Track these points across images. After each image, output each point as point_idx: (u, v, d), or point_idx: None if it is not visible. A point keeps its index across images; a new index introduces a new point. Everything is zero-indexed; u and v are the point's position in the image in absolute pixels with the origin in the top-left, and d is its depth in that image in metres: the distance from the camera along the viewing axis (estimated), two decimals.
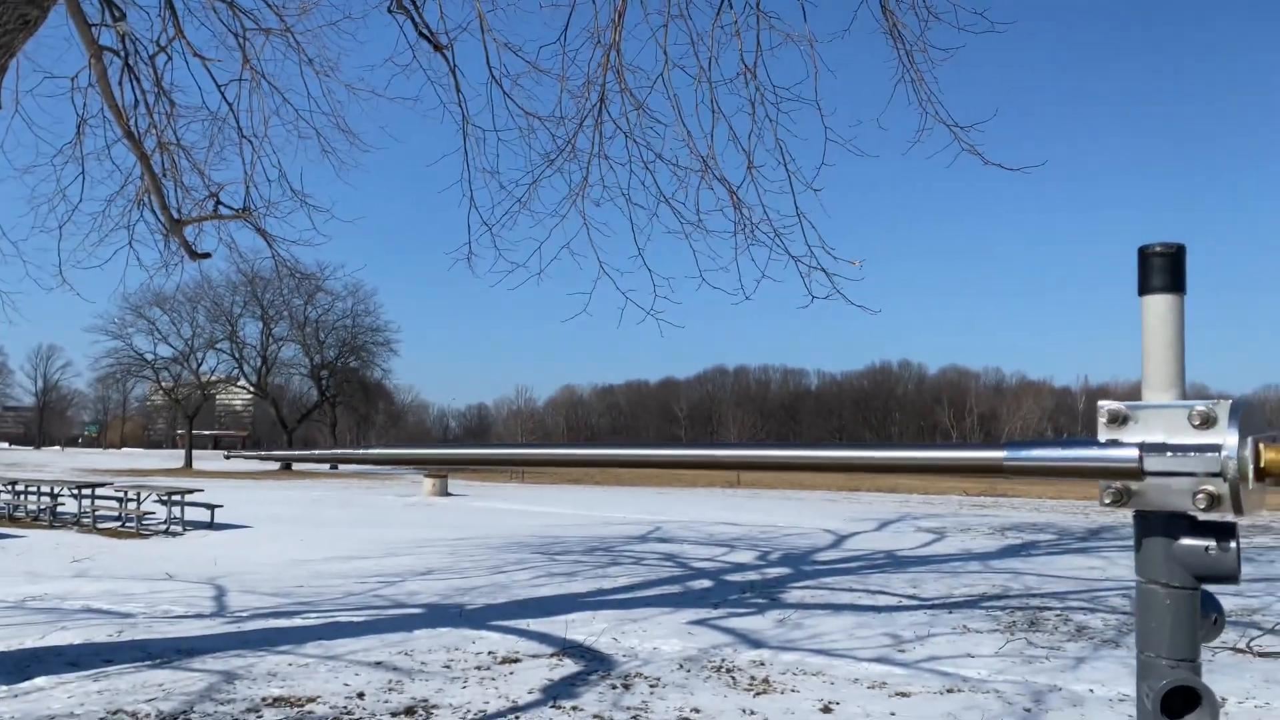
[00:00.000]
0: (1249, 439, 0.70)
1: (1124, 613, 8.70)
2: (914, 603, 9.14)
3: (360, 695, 5.57)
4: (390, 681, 5.89)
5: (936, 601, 9.20)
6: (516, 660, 6.53)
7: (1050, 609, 8.83)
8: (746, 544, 14.60)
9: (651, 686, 5.86)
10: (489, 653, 6.73)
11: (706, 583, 10.34)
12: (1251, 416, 0.72)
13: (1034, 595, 9.67)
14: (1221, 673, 6.42)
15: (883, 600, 9.30)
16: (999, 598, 9.50)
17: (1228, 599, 9.55)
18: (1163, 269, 0.77)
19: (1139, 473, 0.72)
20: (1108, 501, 0.75)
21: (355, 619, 7.97)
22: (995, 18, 6.57)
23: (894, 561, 12.66)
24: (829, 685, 5.96)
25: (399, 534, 15.65)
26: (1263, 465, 0.70)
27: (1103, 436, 0.76)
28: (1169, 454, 0.72)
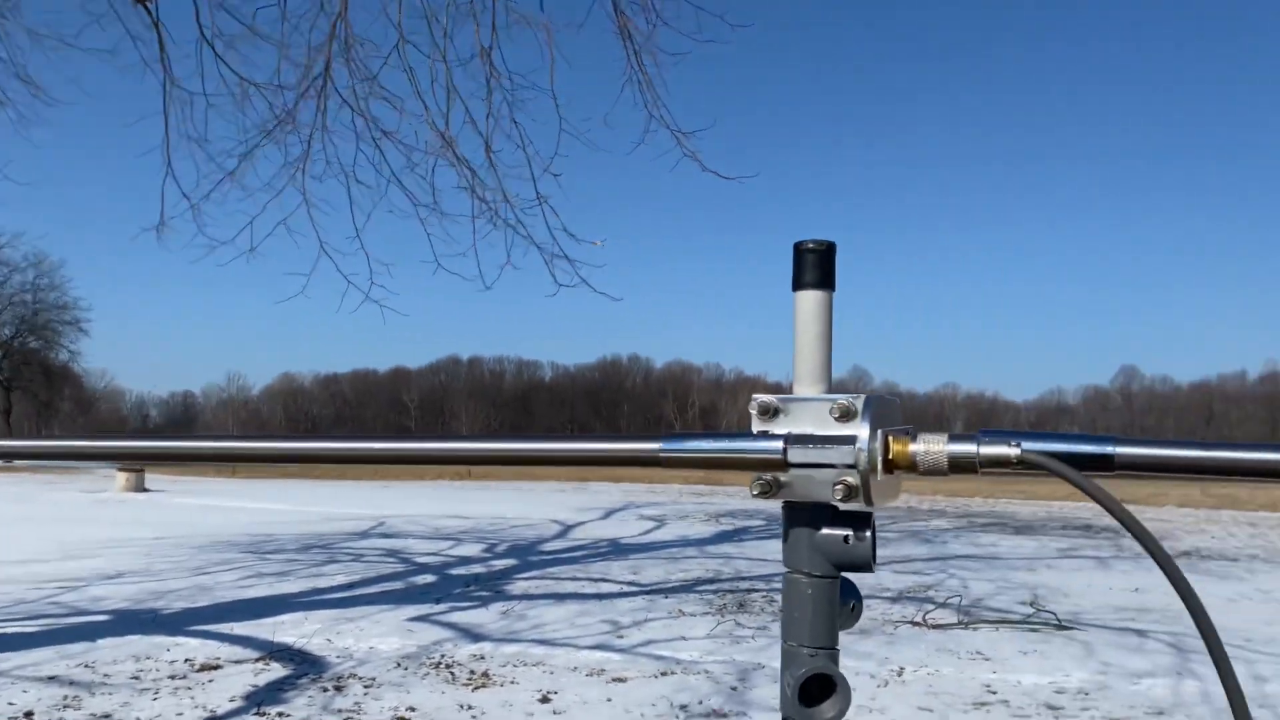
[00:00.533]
0: (879, 431, 0.73)
1: None
2: (633, 589, 9.41)
3: (28, 715, 4.98)
4: (66, 697, 5.30)
5: (654, 587, 9.52)
6: (217, 667, 6.08)
7: (758, 590, 9.38)
8: (474, 537, 14.47)
9: (366, 687, 5.65)
10: (185, 660, 6.23)
11: (430, 578, 10.14)
12: (885, 410, 0.76)
13: (744, 578, 10.24)
14: (901, 644, 7.07)
15: (604, 588, 9.50)
16: (712, 581, 9.98)
17: (907, 576, 10.58)
18: (814, 265, 0.79)
19: (783, 464, 0.74)
20: (756, 493, 0.76)
21: (26, 629, 7.12)
22: (728, 25, 6.86)
23: (616, 549, 12.99)
24: (549, 675, 6.00)
25: (85, 534, 14.20)
26: (891, 457, 0.73)
27: (755, 429, 0.78)
28: (811, 446, 0.74)
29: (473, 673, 6.04)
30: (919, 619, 8.04)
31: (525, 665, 6.25)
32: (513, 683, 5.81)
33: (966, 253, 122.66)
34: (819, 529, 0.76)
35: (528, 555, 12.26)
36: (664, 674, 6.05)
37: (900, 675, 6.15)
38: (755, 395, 0.78)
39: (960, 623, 7.93)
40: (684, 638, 7.15)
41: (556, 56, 6.79)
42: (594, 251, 7.58)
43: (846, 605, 0.79)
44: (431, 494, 26.24)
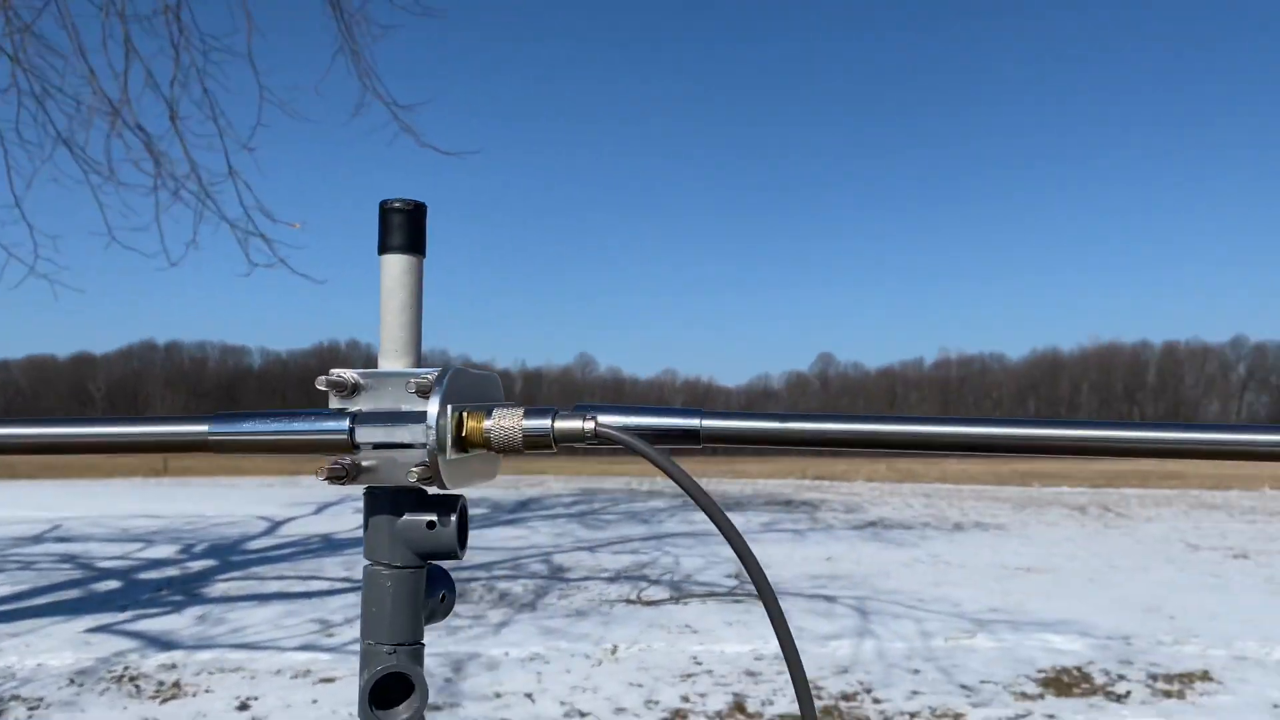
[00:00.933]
0: (449, 407, 0.69)
1: (542, 577, 9.47)
2: (346, 585, 9.04)
3: None
4: None
5: None
6: None
7: (478, 580, 9.30)
8: (167, 538, 13.34)
9: (31, 709, 5.04)
10: None
11: (114, 584, 9.23)
12: (466, 385, 0.72)
13: (463, 567, 10.12)
14: (616, 622, 7.26)
15: (315, 585, 9.06)
16: None
17: (625, 556, 10.90)
18: (401, 226, 0.73)
19: (350, 446, 0.68)
20: (324, 478, 0.69)
21: None
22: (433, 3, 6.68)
23: (330, 545, 12.43)
24: (249, 680, 5.63)
25: None
26: (465, 434, 0.69)
27: (333, 406, 0.72)
28: (381, 425, 0.68)
29: (161, 684, 5.55)
30: (634, 597, 8.30)
31: (222, 672, 5.82)
32: (207, 691, 5.40)
33: (691, 251, 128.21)
34: (401, 515, 0.70)
35: (229, 555, 11.46)
36: None
37: (614, 653, 6.30)
38: (334, 370, 0.71)
39: (672, 598, 8.27)
40: None
41: (256, 22, 6.34)
42: (293, 232, 7.17)
43: (436, 597, 0.73)
44: (119, 492, 23.93)
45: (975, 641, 6.60)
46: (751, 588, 8.65)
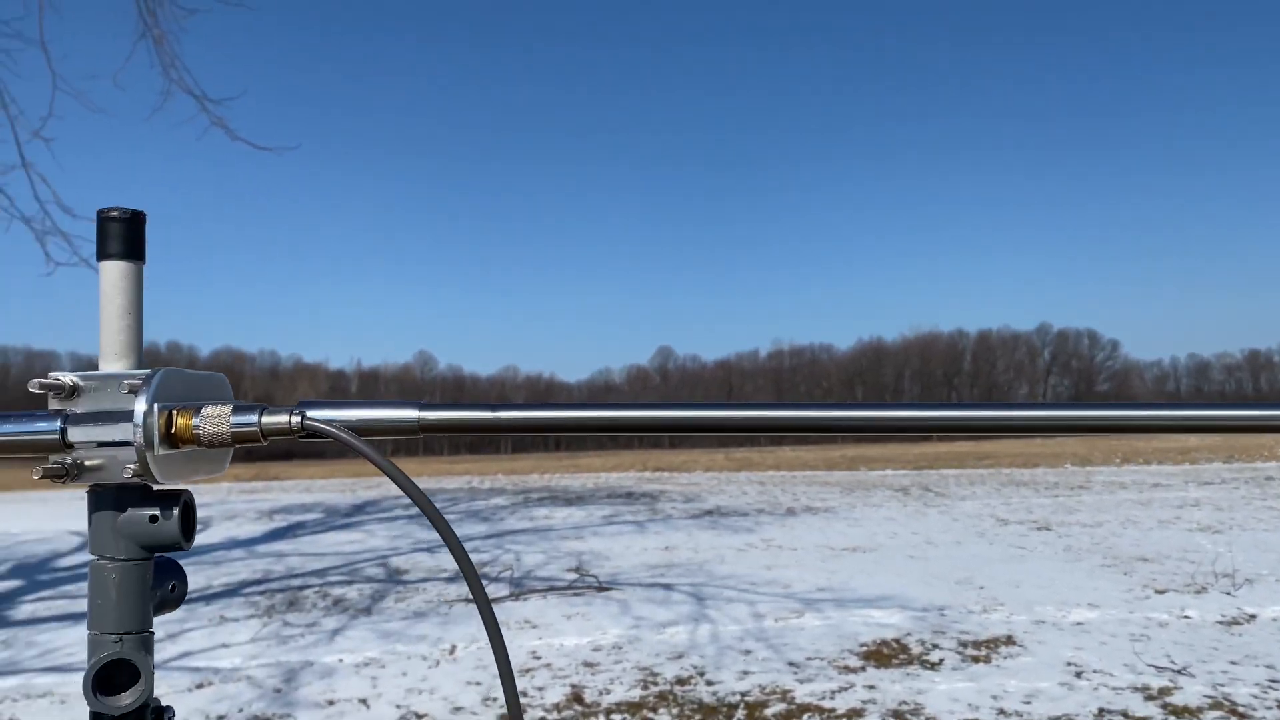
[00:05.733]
0: (156, 405, 0.72)
1: (379, 580, 9.28)
2: None
3: None
4: None
5: (193, 595, 8.79)
6: None
7: (311, 586, 9.03)
8: None
9: None
10: None
11: None
12: (179, 383, 0.75)
13: (296, 575, 9.81)
14: (454, 623, 7.21)
15: None
16: (260, 582, 9.43)
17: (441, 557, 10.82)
18: (120, 235, 0.77)
19: (63, 446, 0.71)
20: (38, 477, 0.72)
21: None
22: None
23: None
24: (60, 705, 5.30)
25: None
26: (175, 431, 0.73)
27: (53, 407, 0.74)
28: (98, 424, 0.72)
29: None
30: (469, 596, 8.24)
31: (30, 698, 5.46)
32: (12, 719, 5.06)
33: (531, 247, 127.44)
34: (124, 510, 0.74)
35: (37, 574, 10.72)
36: (200, 686, 5.62)
37: (452, 653, 6.27)
38: (54, 373, 0.73)
39: (512, 594, 8.27)
40: (225, 645, 6.68)
41: (46, 5, 5.94)
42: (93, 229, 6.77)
43: (165, 587, 0.77)
44: None
45: (804, 620, 6.90)
46: (589, 581, 8.75)
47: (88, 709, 0.73)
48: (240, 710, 5.10)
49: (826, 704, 4.95)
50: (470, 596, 8.22)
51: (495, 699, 5.20)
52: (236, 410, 0.73)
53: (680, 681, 5.42)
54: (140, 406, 0.71)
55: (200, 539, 13.84)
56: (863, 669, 5.58)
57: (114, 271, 0.76)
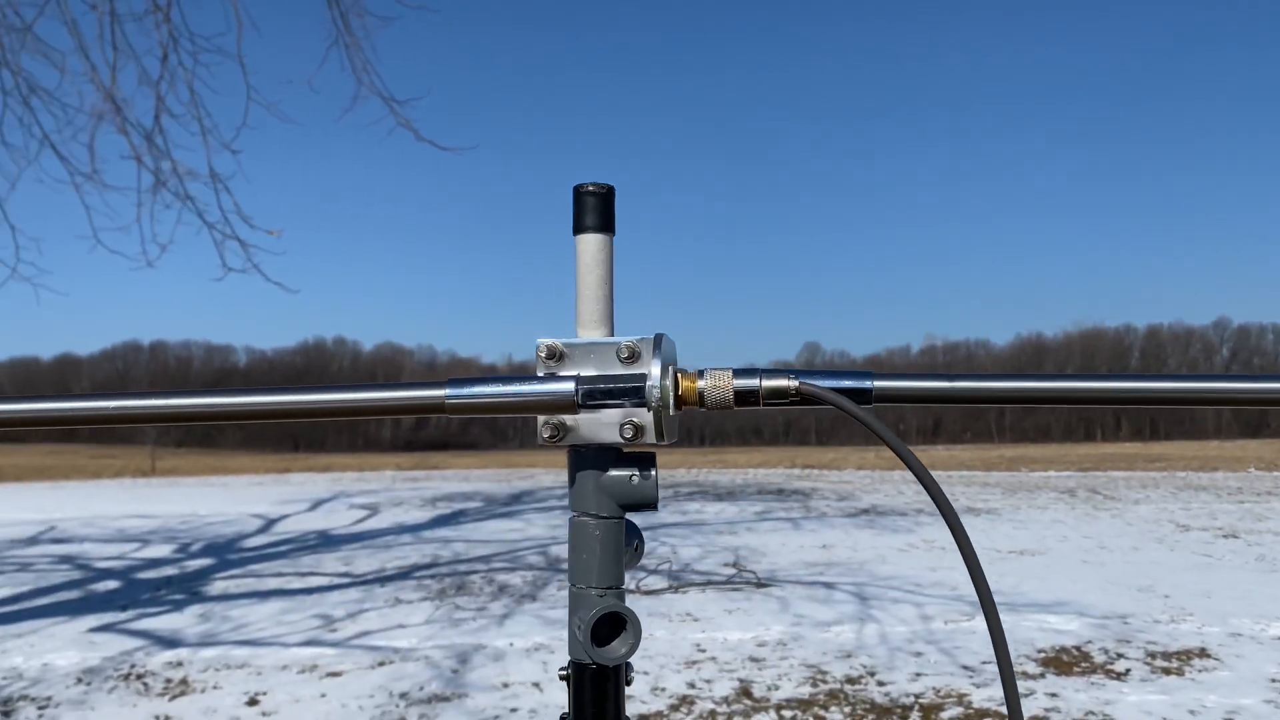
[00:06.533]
0: (670, 368, 0.74)
1: (540, 569, 9.51)
2: (346, 580, 9.06)
3: None
4: None
5: (369, 577, 9.22)
6: None
7: (477, 572, 9.33)
8: (163, 537, 13.32)
9: (40, 709, 5.05)
10: None
11: (113, 584, 9.22)
12: (671, 349, 0.77)
13: (462, 561, 10.16)
14: None
15: (314, 581, 9.08)
16: (429, 566, 9.81)
17: None
18: (594, 208, 0.79)
19: (574, 405, 0.73)
20: (546, 436, 0.76)
21: None
22: None
23: (327, 541, 12.45)
24: (256, 676, 5.65)
25: None
26: (680, 394, 0.75)
27: (541, 373, 0.77)
28: (602, 385, 0.74)
29: (169, 681, 5.57)
30: (633, 587, 8.35)
31: (229, 668, 5.84)
32: (215, 688, 5.42)
33: (678, 240, 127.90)
34: (605, 470, 0.76)
35: (226, 553, 11.46)
36: (381, 664, 5.88)
37: None
38: (539, 339, 0.77)
39: (671, 587, 8.32)
40: (401, 625, 6.98)
41: (250, 18, 6.32)
42: (272, 239, 7.16)
43: (631, 546, 0.79)
44: (111, 493, 23.87)
45: (975, 624, 6.67)
46: (746, 576, 8.72)
47: (569, 660, 0.78)
48: (420, 689, 5.30)
49: (1005, 709, 4.76)
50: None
51: (664, 689, 5.24)
52: (736, 374, 0.74)
53: (850, 681, 5.33)
54: (655, 369, 0.73)
55: (370, 524, 14.52)
56: (1042, 675, 5.36)
57: (591, 244, 0.79)
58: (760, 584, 8.40)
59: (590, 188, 0.79)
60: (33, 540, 13.20)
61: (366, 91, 6.66)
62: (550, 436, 0.75)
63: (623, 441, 0.74)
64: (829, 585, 8.33)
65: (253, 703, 5.12)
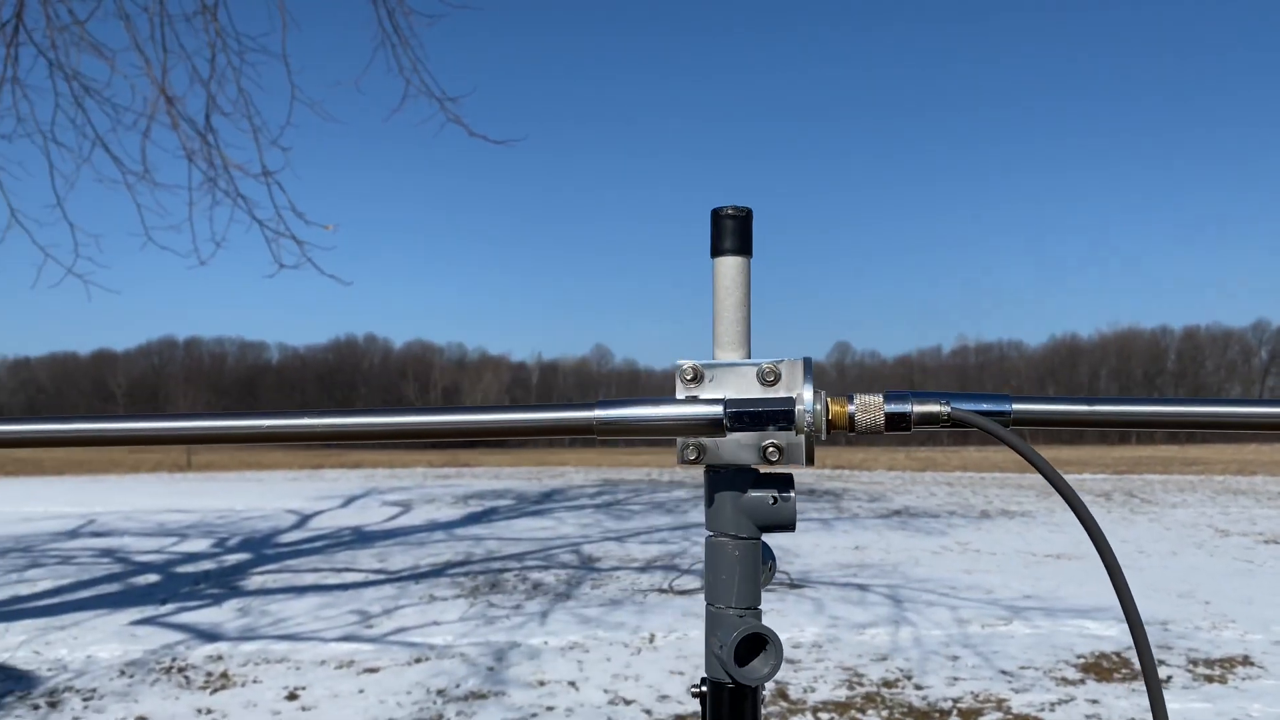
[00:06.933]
0: (821, 393, 0.75)
1: (574, 567, 9.53)
2: (381, 577, 9.14)
3: None
4: None
5: (404, 574, 9.30)
6: None
7: (510, 570, 9.38)
8: (201, 531, 13.50)
9: (85, 700, 5.13)
10: None
11: (153, 577, 9.36)
12: (817, 374, 0.78)
13: (495, 558, 10.21)
14: (651, 611, 7.32)
15: (349, 577, 9.16)
16: (463, 564, 9.87)
17: (654, 546, 10.96)
18: (734, 231, 0.79)
19: (722, 428, 0.73)
20: (691, 458, 0.76)
21: None
22: None
23: (361, 537, 12.55)
24: (295, 671, 5.71)
25: None
26: (831, 418, 0.75)
27: (681, 394, 0.77)
28: (750, 410, 0.74)
29: (210, 674, 5.65)
30: (666, 586, 8.35)
31: (268, 663, 5.91)
32: (255, 682, 5.49)
33: (703, 240, 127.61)
34: (744, 492, 0.77)
35: (262, 548, 11.59)
36: (418, 660, 5.93)
37: (652, 641, 6.36)
38: (679, 361, 0.77)
39: (702, 588, 8.31)
40: (437, 623, 7.03)
41: (294, 19, 6.39)
42: (323, 233, 7.23)
43: (766, 564, 0.80)
44: (148, 487, 24.21)
45: (1011, 628, 6.62)
46: (780, 577, 8.69)
47: (705, 678, 0.78)
48: (457, 685, 5.34)
49: (1046, 715, 4.73)
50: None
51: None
52: (888, 399, 0.74)
53: (887, 684, 5.30)
54: (808, 393, 0.73)
55: (403, 520, 14.63)
56: (1082, 682, 5.31)
57: (730, 266, 0.79)
58: (793, 585, 8.38)
59: (729, 211, 0.79)
60: (73, 533, 13.42)
61: (415, 90, 6.70)
62: (694, 458, 0.76)
63: (764, 463, 0.75)
64: (863, 587, 8.29)
65: (292, 697, 5.18)
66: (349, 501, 18.59)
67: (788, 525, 0.77)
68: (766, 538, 0.79)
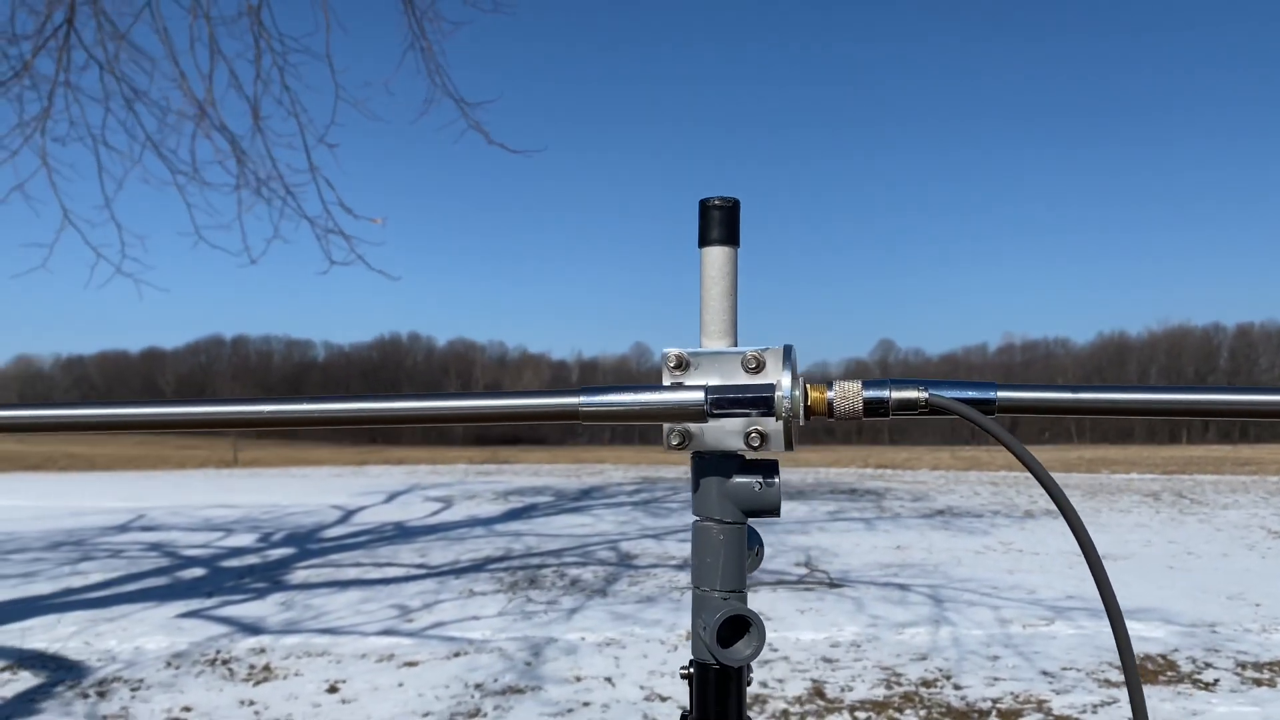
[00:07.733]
0: (800, 379, 0.75)
1: (611, 564, 9.55)
2: (422, 572, 9.22)
3: None
4: None
5: (444, 569, 9.38)
6: None
7: (549, 566, 9.42)
8: (246, 526, 13.72)
9: (133, 690, 5.24)
10: None
11: (199, 571, 9.53)
12: (796, 360, 0.78)
13: (534, 554, 10.26)
14: (687, 609, 7.30)
15: (391, 572, 9.26)
16: (502, 559, 9.93)
17: (690, 544, 10.97)
18: (721, 221, 0.80)
19: (703, 414, 0.74)
20: (675, 444, 0.77)
21: None
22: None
23: (403, 532, 12.68)
24: (336, 664, 5.79)
25: None
26: (810, 404, 0.75)
27: (667, 381, 0.78)
28: (732, 395, 0.74)
29: (253, 667, 5.74)
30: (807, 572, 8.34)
31: (309, 656, 6.00)
32: (297, 674, 5.57)
33: (747, 238, 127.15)
34: (730, 477, 0.77)
35: (306, 543, 11.75)
36: (456, 655, 5.98)
37: (688, 639, 6.35)
38: (666, 349, 0.78)
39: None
40: (476, 617, 7.08)
41: (332, 21, 6.47)
42: (372, 228, 7.31)
43: (752, 550, 0.80)
44: (195, 483, 24.64)
45: (1054, 628, 6.53)
46: (820, 576, 8.65)
47: (691, 659, 0.79)
48: (495, 680, 5.38)
49: (1087, 717, 4.66)
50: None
51: None
52: (866, 385, 0.74)
53: (926, 684, 5.25)
54: (786, 379, 0.74)
55: (444, 516, 14.76)
56: (1125, 683, 5.21)
57: (717, 256, 0.80)
58: (833, 584, 8.33)
59: (716, 201, 0.80)
60: (123, 528, 13.70)
61: (440, 94, 6.75)
62: (677, 444, 0.76)
63: (747, 449, 0.75)
64: (903, 587, 8.22)
65: (333, 690, 5.24)
66: (391, 497, 18.79)
67: (773, 510, 0.77)
68: (755, 524, 0.80)
